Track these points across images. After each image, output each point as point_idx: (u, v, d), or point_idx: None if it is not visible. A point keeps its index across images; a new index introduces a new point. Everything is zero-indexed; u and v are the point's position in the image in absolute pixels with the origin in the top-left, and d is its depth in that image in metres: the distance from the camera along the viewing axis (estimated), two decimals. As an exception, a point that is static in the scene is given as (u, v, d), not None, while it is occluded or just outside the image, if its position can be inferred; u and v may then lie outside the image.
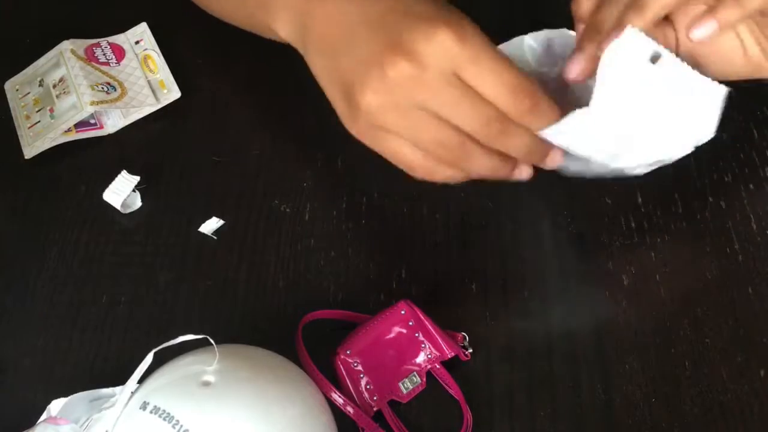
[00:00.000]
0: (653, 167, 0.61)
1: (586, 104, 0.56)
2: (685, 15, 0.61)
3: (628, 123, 0.57)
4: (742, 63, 0.64)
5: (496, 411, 0.61)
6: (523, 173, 0.60)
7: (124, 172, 0.71)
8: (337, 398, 0.59)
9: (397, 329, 0.62)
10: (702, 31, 0.58)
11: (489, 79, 0.54)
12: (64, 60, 0.77)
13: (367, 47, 0.56)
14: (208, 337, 0.53)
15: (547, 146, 0.58)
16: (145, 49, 0.79)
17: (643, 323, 0.64)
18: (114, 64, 0.78)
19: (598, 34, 0.58)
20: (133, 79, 0.77)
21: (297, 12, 0.61)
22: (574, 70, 0.59)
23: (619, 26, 0.57)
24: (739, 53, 0.64)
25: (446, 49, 0.53)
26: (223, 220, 0.70)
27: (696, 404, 0.60)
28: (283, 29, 0.63)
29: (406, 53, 0.54)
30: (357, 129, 0.58)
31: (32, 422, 0.58)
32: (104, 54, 0.78)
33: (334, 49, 0.58)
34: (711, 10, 0.58)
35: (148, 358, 0.54)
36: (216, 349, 0.53)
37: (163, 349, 0.54)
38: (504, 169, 0.59)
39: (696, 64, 0.60)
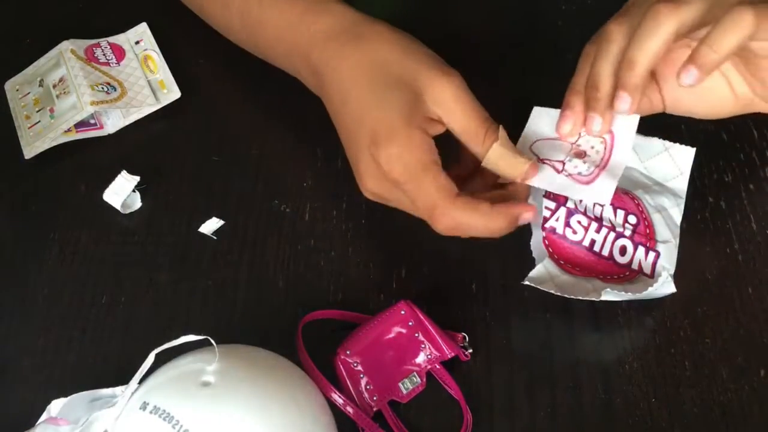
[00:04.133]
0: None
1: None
2: (667, 65, 0.63)
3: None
4: (732, 102, 0.65)
5: (496, 411, 0.61)
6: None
7: (124, 172, 0.71)
8: (337, 398, 0.59)
9: (397, 329, 0.62)
10: (687, 78, 0.58)
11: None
12: (64, 60, 0.77)
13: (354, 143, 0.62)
14: (209, 338, 0.53)
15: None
16: (145, 49, 0.79)
17: (643, 323, 0.64)
18: (114, 64, 0.78)
19: (594, 90, 0.61)
20: (133, 79, 0.77)
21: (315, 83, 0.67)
22: (565, 127, 0.63)
23: (619, 86, 0.60)
24: (727, 93, 0.65)
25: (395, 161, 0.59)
26: (223, 220, 0.70)
27: (696, 404, 0.60)
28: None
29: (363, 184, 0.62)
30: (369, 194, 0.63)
31: (32, 422, 0.58)
32: (104, 54, 0.78)
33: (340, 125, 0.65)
34: (691, 57, 0.58)
35: (150, 359, 0.54)
36: (216, 349, 0.53)
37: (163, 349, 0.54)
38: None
39: (687, 110, 0.66)
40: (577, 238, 0.64)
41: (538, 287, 0.63)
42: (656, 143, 0.69)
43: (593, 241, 0.64)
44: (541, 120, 0.65)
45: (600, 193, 0.61)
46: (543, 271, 0.64)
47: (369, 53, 0.62)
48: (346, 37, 0.64)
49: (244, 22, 0.71)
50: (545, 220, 0.64)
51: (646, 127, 0.70)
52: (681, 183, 0.68)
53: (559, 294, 0.63)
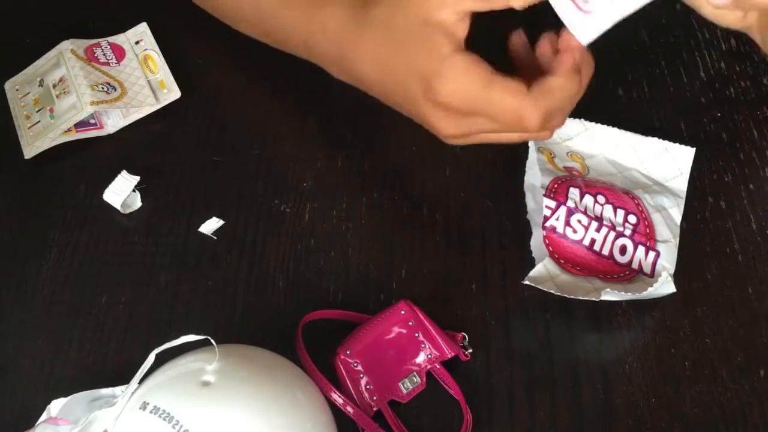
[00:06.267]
0: None
1: None
2: None
3: None
4: (736, 21, 0.65)
5: (496, 411, 0.61)
6: None
7: (124, 172, 0.71)
8: (337, 398, 0.59)
9: (397, 329, 0.62)
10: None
11: None
12: (64, 60, 0.77)
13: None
14: (209, 338, 0.53)
15: None
16: (145, 49, 0.79)
17: (643, 323, 0.64)
18: (114, 64, 0.78)
19: None
20: (133, 79, 0.77)
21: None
22: None
23: None
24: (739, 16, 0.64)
25: None
26: (223, 220, 0.70)
27: (696, 404, 0.60)
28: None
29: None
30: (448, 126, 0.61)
31: (32, 422, 0.58)
32: (104, 54, 0.78)
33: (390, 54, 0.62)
34: None
35: (150, 359, 0.54)
36: (216, 349, 0.53)
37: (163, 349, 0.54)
38: None
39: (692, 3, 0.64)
40: (577, 237, 0.64)
41: (538, 287, 0.63)
42: (656, 143, 0.69)
43: (593, 240, 0.64)
44: None
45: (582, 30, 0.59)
46: (543, 270, 0.64)
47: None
48: None
49: None
50: (545, 219, 0.65)
51: (646, 127, 0.71)
52: (681, 183, 0.68)
53: (559, 294, 0.63)
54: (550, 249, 0.64)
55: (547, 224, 0.65)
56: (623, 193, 0.66)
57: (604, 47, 0.79)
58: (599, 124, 0.70)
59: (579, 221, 0.65)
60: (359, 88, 0.65)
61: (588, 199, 0.65)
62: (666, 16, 0.82)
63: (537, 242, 0.66)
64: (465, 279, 0.66)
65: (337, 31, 0.64)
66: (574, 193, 0.65)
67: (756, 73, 0.77)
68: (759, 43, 0.66)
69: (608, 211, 0.65)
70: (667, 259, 0.64)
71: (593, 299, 0.62)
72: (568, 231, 0.64)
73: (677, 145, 0.69)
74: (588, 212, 0.65)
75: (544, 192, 0.65)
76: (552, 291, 0.63)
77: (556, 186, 0.66)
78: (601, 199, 0.65)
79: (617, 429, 0.60)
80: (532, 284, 0.63)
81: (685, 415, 0.60)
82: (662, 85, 0.77)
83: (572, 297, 0.63)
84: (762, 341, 0.63)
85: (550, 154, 0.69)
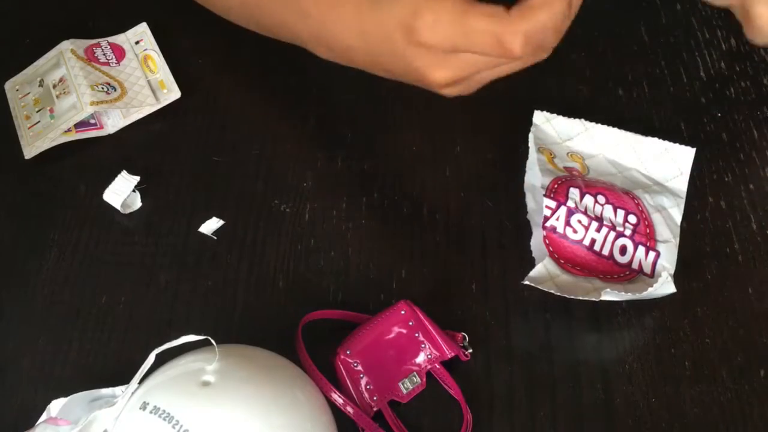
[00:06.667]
0: None
1: None
2: None
3: None
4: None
5: (496, 411, 0.61)
6: None
7: (124, 172, 0.71)
8: (337, 398, 0.59)
9: (397, 329, 0.62)
10: None
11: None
12: (64, 60, 0.77)
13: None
14: (209, 338, 0.53)
15: None
16: (145, 49, 0.79)
17: (643, 323, 0.64)
18: (114, 64, 0.78)
19: None
20: (133, 79, 0.77)
21: None
22: None
23: None
24: None
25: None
26: (223, 220, 0.70)
27: (696, 404, 0.60)
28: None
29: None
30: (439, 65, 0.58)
31: (32, 422, 0.58)
32: (104, 54, 0.78)
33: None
34: None
35: (150, 359, 0.54)
36: (216, 349, 0.53)
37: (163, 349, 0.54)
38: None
39: None
40: (577, 237, 0.64)
41: (538, 287, 0.63)
42: (656, 143, 0.69)
43: (593, 241, 0.64)
44: None
45: None
46: (543, 270, 0.64)
47: None
48: None
49: None
50: (546, 219, 0.65)
51: (646, 127, 0.71)
52: (681, 183, 0.68)
53: (559, 294, 0.63)
54: (550, 249, 0.64)
55: (547, 224, 0.65)
56: (623, 193, 0.66)
57: (604, 47, 0.80)
58: (599, 124, 0.70)
59: (579, 221, 0.65)
60: (346, 65, 0.64)
61: (588, 199, 0.65)
62: (666, 16, 0.82)
63: (537, 242, 0.66)
64: (465, 279, 0.66)
65: (315, 10, 0.63)
66: (574, 193, 0.65)
67: (756, 73, 0.77)
68: (738, 18, 0.66)
69: (608, 211, 0.65)
70: (667, 259, 0.64)
71: (593, 299, 0.62)
72: (568, 231, 0.64)
73: (677, 145, 0.69)
74: (588, 212, 0.65)
75: (544, 192, 0.65)
76: (552, 291, 0.63)
77: (556, 186, 0.66)
78: (601, 199, 0.65)
79: (617, 429, 0.60)
80: (532, 284, 0.63)
81: (685, 415, 0.60)
82: (662, 85, 0.77)
83: (572, 297, 0.63)
84: (762, 341, 0.63)
85: (550, 154, 0.69)
